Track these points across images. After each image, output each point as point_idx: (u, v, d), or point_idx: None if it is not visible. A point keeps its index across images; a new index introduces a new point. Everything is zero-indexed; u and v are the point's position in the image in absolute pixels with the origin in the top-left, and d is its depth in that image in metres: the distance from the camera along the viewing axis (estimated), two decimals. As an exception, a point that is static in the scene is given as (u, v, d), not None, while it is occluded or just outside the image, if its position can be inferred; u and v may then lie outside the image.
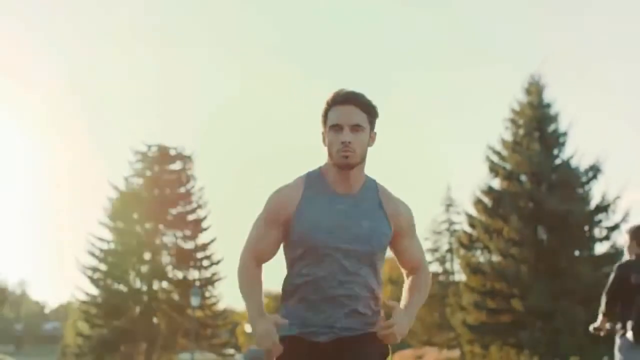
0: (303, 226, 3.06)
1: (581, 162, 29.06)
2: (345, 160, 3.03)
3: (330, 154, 3.09)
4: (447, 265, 40.84)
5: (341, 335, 3.07)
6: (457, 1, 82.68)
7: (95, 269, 35.90)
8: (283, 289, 3.18)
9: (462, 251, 30.90)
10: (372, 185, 3.16)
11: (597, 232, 28.80)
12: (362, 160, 3.09)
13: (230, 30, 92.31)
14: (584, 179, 28.92)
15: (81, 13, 69.56)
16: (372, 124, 3.11)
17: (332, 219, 3.05)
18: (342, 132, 3.04)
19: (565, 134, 29.40)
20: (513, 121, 30.36)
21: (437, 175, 77.71)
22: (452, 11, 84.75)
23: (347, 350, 3.07)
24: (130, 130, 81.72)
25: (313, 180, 3.14)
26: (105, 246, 36.15)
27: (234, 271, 3.18)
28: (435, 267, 40.12)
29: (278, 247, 3.17)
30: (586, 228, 28.58)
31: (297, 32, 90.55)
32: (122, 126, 79.68)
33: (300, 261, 3.09)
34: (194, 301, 30.82)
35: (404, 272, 3.30)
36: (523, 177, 28.93)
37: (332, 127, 3.05)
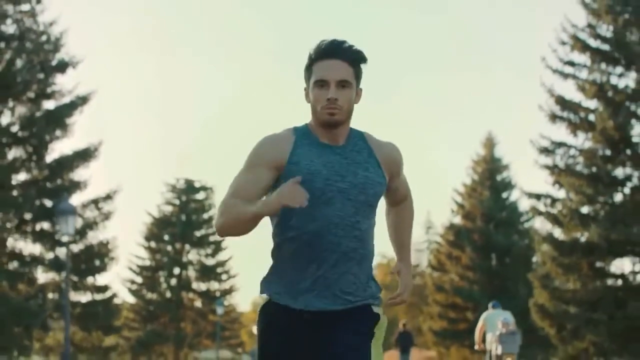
0: (301, 171, 3.09)
1: (524, 204, 41.12)
2: (331, 118, 3.09)
3: (314, 112, 3.14)
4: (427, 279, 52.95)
5: (328, 308, 3.12)
6: (456, 5, 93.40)
7: (132, 282, 47.71)
8: (272, 251, 3.22)
9: (432, 272, 43.25)
10: (359, 135, 3.24)
11: (535, 260, 40.89)
12: (348, 117, 3.15)
13: (230, 34, 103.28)
14: (524, 217, 40.99)
15: (80, 14, 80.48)
16: (358, 78, 3.17)
17: (327, 168, 3.12)
18: (328, 88, 3.08)
19: (510, 182, 41.53)
20: (473, 169, 42.47)
21: (433, 182, 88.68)
22: (452, 15, 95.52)
23: (333, 325, 3.13)
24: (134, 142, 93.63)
25: (301, 131, 3.20)
26: (141, 262, 47.85)
27: (247, 284, 6.11)
28: (417, 281, 52.26)
29: (265, 193, 3.16)
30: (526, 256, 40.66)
31: (296, 35, 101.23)
32: (124, 134, 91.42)
33: (293, 213, 3.09)
34: (219, 310, 42.87)
35: (386, 202, 3.43)
36: (477, 217, 41.03)
37: (317, 83, 3.10)
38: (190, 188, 49.27)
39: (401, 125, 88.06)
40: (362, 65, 3.21)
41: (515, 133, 68.77)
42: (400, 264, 3.44)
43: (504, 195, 41.74)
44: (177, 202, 49.06)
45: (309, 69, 3.17)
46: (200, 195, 49.48)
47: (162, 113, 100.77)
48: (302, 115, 3.28)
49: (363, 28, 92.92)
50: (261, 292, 3.24)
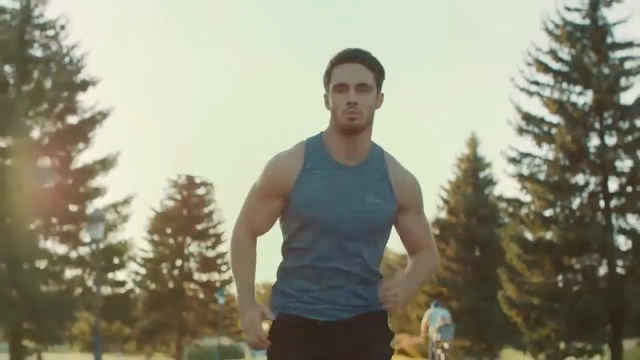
0: (302, 201, 3.17)
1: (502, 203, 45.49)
2: (352, 123, 3.12)
3: (334, 117, 3.18)
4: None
5: (341, 317, 3.20)
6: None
7: (137, 273, 51.90)
8: (280, 266, 3.32)
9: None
10: (378, 154, 3.27)
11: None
12: (369, 123, 3.19)
13: (232, 26, 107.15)
14: (503, 213, 45.36)
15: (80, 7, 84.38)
16: (379, 84, 3.22)
17: (333, 194, 3.15)
18: (348, 92, 3.13)
19: (492, 179, 45.96)
20: (457, 166, 46.87)
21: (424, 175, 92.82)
22: (451, 6, 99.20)
23: (347, 334, 3.21)
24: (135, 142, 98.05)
25: (314, 148, 3.23)
26: (144, 255, 52.05)
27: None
28: (407, 270, 56.77)
29: (275, 219, 3.30)
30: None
31: (298, 26, 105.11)
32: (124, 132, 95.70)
33: (297, 237, 3.23)
34: (220, 300, 47.20)
35: (407, 252, 3.40)
36: (460, 212, 45.44)
37: (337, 87, 3.16)
38: (191, 184, 53.50)
39: (387, 124, 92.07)
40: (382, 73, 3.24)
41: (500, 131, 73.30)
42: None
43: (486, 191, 46.13)
44: (178, 197, 53.19)
45: (328, 74, 3.21)
46: (200, 191, 53.49)
47: (161, 110, 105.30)
48: (303, 111, 4.35)
49: (360, 20, 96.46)
50: (273, 309, 3.30)
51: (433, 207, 46.94)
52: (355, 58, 3.17)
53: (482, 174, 46.34)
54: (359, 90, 3.14)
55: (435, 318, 20.53)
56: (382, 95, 3.26)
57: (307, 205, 3.18)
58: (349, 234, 3.18)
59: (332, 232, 3.18)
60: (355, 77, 3.15)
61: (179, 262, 51.90)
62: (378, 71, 3.22)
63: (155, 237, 52.19)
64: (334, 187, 3.18)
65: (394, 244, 72.31)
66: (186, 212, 52.57)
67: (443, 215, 46.70)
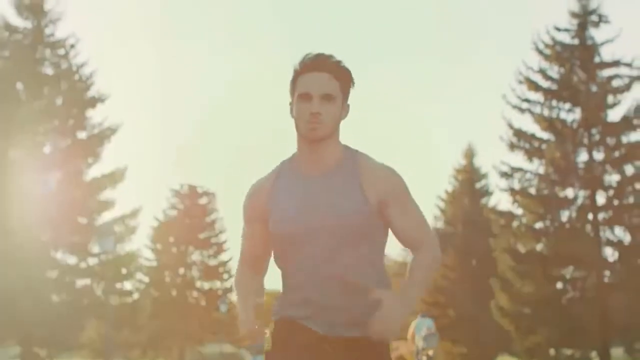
0: (274, 218, 3.23)
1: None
2: (314, 133, 3.15)
3: (297, 126, 3.21)
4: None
5: (338, 333, 3.18)
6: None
7: (140, 281, 53.33)
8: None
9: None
10: (350, 158, 3.25)
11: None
12: (333, 133, 3.20)
13: (234, 36, 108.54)
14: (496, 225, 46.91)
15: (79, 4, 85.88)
16: (345, 93, 3.22)
17: (300, 204, 3.19)
18: (311, 102, 3.14)
19: (488, 190, 47.53)
20: (455, 177, 48.45)
21: (419, 189, 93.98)
22: (451, 9, 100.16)
23: (345, 353, 3.19)
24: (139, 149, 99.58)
25: (285, 167, 3.30)
26: (148, 263, 53.42)
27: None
28: (406, 278, 58.36)
29: (268, 244, 3.34)
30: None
31: (299, 29, 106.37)
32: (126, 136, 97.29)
33: (279, 255, 3.28)
34: (223, 308, 48.56)
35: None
36: (458, 222, 47.02)
37: (301, 96, 3.17)
38: (193, 193, 55.01)
39: (385, 128, 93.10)
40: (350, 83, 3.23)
41: (497, 142, 74.95)
42: (384, 291, 3.10)
43: (483, 202, 47.71)
44: (181, 206, 54.74)
45: (293, 82, 3.22)
46: (202, 200, 55.00)
47: (162, 121, 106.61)
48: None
49: (360, 22, 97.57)
50: (273, 315, 3.34)
51: (431, 217, 48.57)
52: (320, 67, 3.19)
53: (478, 185, 47.91)
54: (324, 100, 3.16)
55: (421, 328, 22.22)
56: (349, 105, 3.27)
57: (279, 221, 3.24)
58: (323, 244, 3.18)
59: (305, 245, 3.20)
60: (320, 87, 3.16)
61: (181, 271, 53.24)
62: (344, 80, 3.23)
63: (159, 246, 53.56)
64: (301, 196, 3.22)
65: (393, 250, 73.63)
66: (188, 221, 53.92)
67: (440, 225, 48.30)
